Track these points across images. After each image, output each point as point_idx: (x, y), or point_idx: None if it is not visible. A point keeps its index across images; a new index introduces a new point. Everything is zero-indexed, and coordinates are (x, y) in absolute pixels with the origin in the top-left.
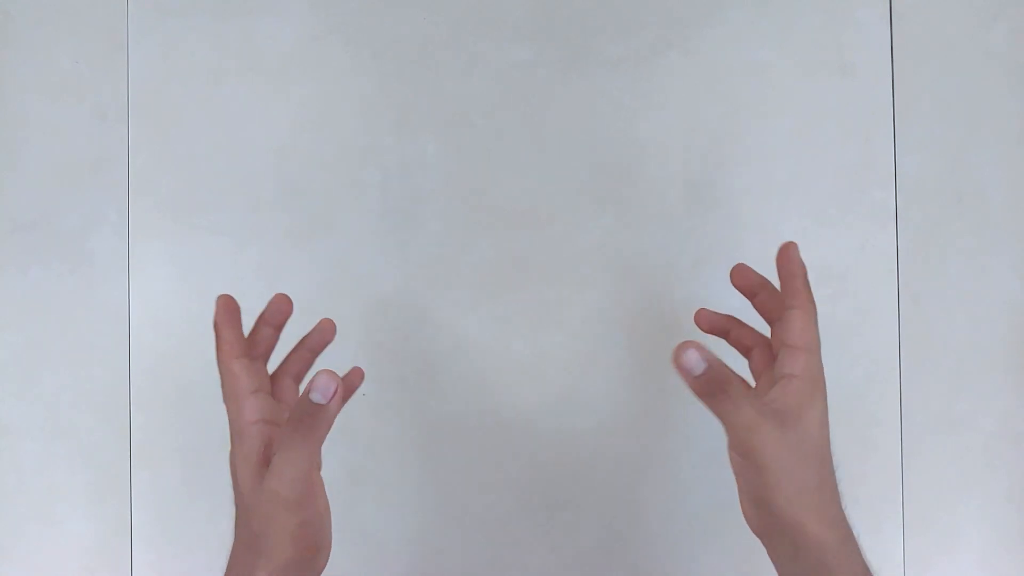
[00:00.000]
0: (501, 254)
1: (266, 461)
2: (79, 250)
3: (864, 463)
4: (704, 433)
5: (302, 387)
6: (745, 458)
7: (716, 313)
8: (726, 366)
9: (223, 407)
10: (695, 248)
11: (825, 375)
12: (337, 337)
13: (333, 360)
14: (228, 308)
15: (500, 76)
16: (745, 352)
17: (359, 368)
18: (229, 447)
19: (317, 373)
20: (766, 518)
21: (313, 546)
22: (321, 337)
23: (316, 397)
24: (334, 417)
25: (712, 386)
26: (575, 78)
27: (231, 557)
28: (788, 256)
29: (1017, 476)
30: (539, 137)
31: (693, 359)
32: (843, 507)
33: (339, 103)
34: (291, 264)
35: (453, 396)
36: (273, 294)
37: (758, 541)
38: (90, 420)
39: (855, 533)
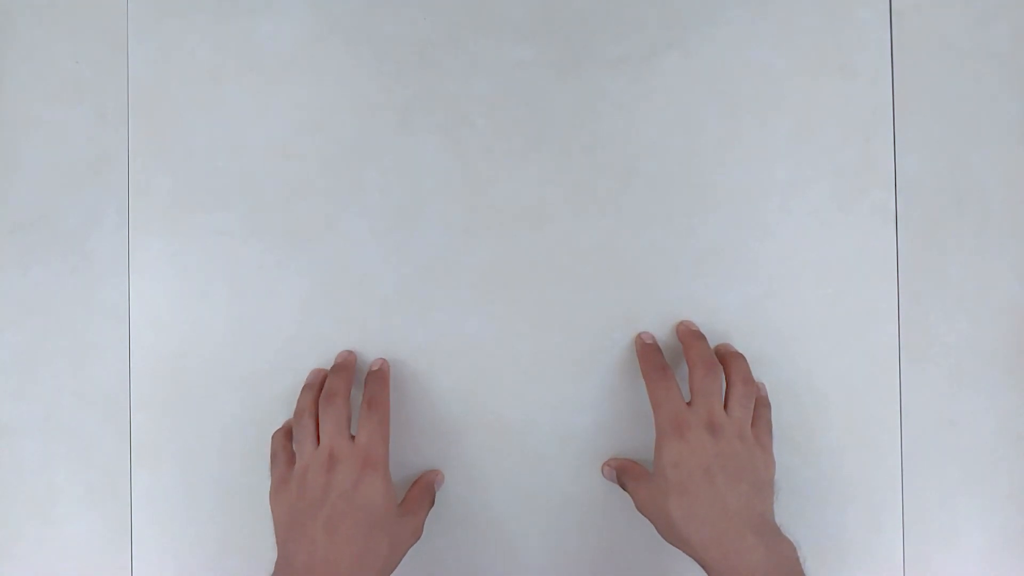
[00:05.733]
0: (501, 254)
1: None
2: (79, 250)
3: (864, 463)
4: None
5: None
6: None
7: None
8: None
9: (223, 407)
10: (695, 248)
11: (820, 378)
12: (337, 338)
13: (331, 359)
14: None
15: (500, 76)
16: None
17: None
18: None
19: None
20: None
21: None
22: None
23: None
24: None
25: (622, 477)
26: (575, 78)
27: None
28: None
29: (1017, 476)
30: (539, 137)
31: (607, 474)
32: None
33: (339, 103)
34: (291, 264)
35: (453, 396)
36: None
37: None
38: (90, 420)
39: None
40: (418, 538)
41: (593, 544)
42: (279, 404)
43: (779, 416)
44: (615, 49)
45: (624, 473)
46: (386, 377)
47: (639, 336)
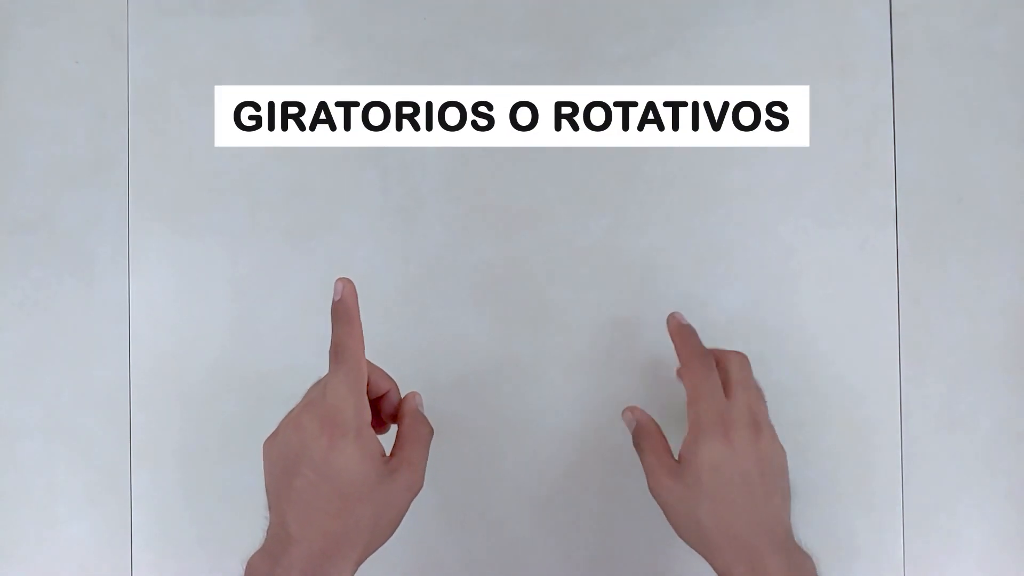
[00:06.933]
0: (501, 254)
1: None
2: (79, 250)
3: (864, 463)
4: None
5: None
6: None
7: None
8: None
9: (223, 407)
10: (695, 248)
11: (820, 378)
12: None
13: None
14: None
15: (500, 76)
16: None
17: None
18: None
19: None
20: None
21: None
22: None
23: None
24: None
25: (637, 437)
26: (575, 78)
27: None
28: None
29: (1017, 476)
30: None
31: (627, 418)
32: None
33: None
34: (291, 264)
35: (453, 396)
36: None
37: None
38: (90, 420)
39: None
40: (417, 491)
41: (593, 544)
42: (279, 404)
43: (779, 416)
44: (615, 49)
45: (644, 438)
46: (352, 309)
47: (673, 316)
